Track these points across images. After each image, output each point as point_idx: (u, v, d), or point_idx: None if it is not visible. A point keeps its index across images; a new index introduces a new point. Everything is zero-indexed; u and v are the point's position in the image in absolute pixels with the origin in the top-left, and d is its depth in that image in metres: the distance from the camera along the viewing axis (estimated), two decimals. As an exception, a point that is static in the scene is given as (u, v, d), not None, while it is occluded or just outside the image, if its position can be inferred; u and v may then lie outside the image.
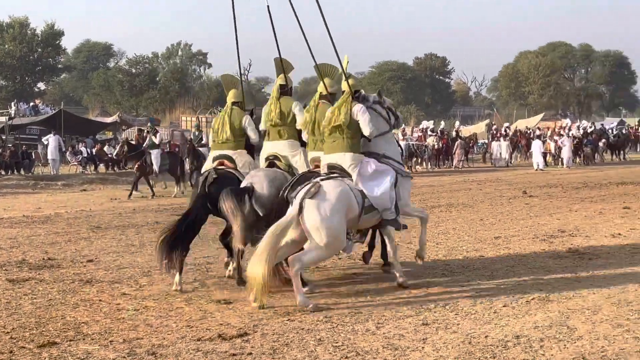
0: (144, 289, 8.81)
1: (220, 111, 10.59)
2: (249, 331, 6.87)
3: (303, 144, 9.35)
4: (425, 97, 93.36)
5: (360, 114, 8.45)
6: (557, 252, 10.76)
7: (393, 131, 9.40)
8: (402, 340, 6.55)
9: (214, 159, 9.46)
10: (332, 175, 8.28)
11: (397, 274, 8.66)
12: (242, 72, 11.00)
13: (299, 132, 9.30)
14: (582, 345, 6.25)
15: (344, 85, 8.78)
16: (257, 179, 8.68)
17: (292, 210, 7.85)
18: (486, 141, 44.43)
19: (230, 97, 9.67)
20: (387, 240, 8.87)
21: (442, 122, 47.56)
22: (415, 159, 35.37)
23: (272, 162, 9.25)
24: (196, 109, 64.59)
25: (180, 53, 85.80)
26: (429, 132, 38.09)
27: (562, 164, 35.20)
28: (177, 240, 8.47)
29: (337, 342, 6.50)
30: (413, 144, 35.29)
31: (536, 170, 32.97)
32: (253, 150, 9.73)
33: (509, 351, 6.17)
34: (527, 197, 19.37)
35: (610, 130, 44.65)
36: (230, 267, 9.30)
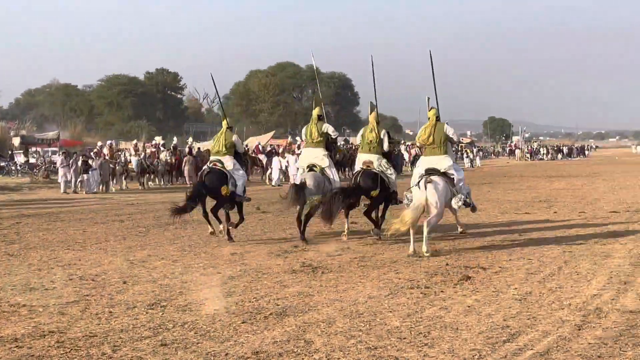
0: None
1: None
2: (-30, 363, 6.32)
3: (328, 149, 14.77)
4: (157, 113, 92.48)
5: (450, 129, 13.23)
6: (292, 267, 11.07)
7: None
8: (140, 363, 6.36)
9: (211, 162, 14.51)
10: (433, 173, 12.69)
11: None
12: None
13: (326, 143, 14.66)
14: (319, 358, 6.46)
15: (430, 114, 13.41)
16: (307, 177, 14.04)
17: (420, 192, 12.35)
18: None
19: (225, 123, 14.95)
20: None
21: (175, 138, 47.29)
22: (147, 175, 34.83)
23: (311, 167, 14.37)
24: None
25: None
26: (161, 148, 37.61)
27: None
28: (190, 203, 13.58)
29: (71, 369, 6.16)
30: (145, 160, 34.74)
31: (274, 186, 33.85)
32: (240, 155, 14.98)
33: (250, 368, 6.21)
34: (261, 213, 19.76)
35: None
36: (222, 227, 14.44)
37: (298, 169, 16.19)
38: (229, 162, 14.39)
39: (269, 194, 28.17)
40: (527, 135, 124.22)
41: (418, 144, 14.23)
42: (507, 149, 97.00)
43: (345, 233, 14.40)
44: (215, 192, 13.99)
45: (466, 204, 13.08)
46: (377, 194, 13.77)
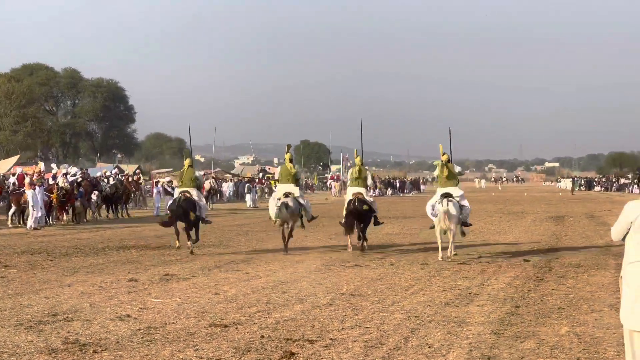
0: None
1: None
2: None
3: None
4: None
5: (456, 167, 23.59)
6: (51, 345, 10.55)
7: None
8: None
9: (181, 192, 23.17)
10: (449, 196, 21.84)
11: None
12: None
13: (296, 180, 24.05)
14: None
15: (444, 158, 22.71)
16: (287, 200, 22.82)
17: (443, 206, 21.43)
18: None
19: (187, 162, 23.79)
20: (453, 237, 21.80)
21: None
22: None
23: (287, 194, 23.14)
24: None
25: None
26: None
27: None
28: (172, 222, 23.28)
29: None
30: None
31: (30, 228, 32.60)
32: (201, 188, 25.06)
33: None
34: (3, 267, 18.91)
35: (105, 180, 45.99)
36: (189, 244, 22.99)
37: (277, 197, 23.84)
38: (194, 193, 23.25)
39: (11, 241, 27.10)
40: (349, 164, 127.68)
41: (436, 177, 24.73)
42: (328, 182, 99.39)
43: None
44: (186, 214, 22.61)
45: (464, 224, 22.58)
46: (368, 209, 23.24)
